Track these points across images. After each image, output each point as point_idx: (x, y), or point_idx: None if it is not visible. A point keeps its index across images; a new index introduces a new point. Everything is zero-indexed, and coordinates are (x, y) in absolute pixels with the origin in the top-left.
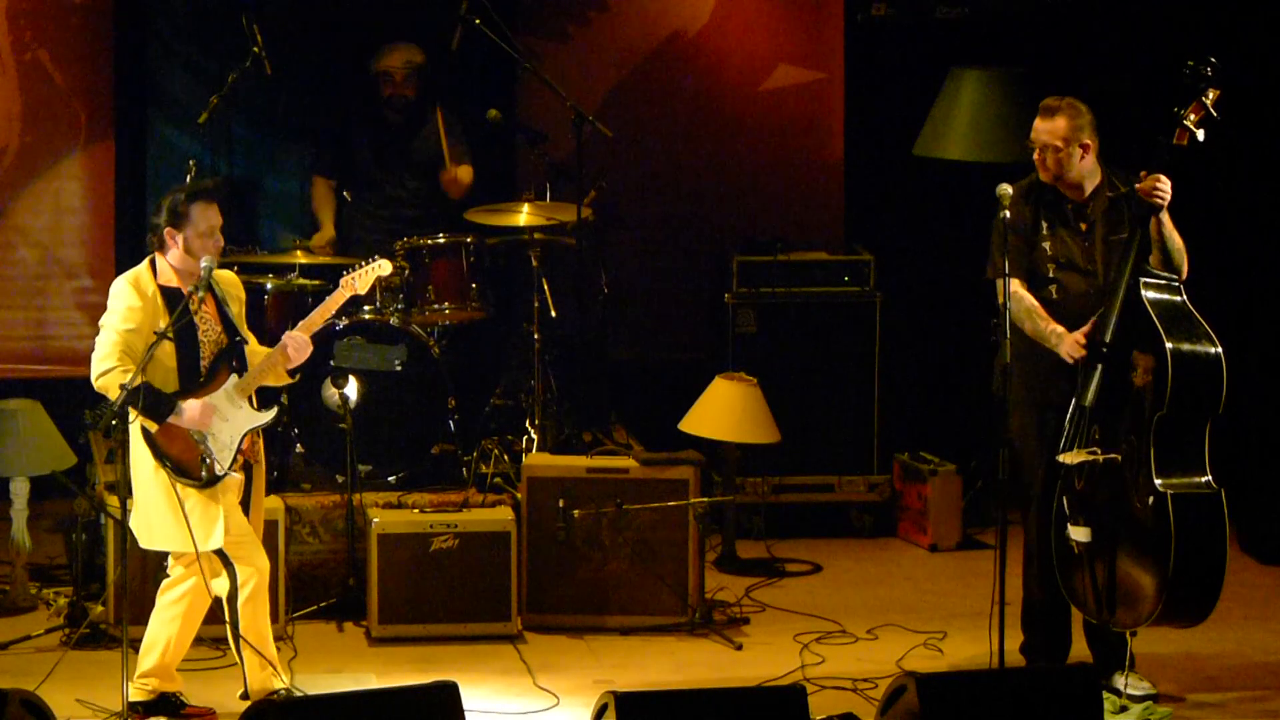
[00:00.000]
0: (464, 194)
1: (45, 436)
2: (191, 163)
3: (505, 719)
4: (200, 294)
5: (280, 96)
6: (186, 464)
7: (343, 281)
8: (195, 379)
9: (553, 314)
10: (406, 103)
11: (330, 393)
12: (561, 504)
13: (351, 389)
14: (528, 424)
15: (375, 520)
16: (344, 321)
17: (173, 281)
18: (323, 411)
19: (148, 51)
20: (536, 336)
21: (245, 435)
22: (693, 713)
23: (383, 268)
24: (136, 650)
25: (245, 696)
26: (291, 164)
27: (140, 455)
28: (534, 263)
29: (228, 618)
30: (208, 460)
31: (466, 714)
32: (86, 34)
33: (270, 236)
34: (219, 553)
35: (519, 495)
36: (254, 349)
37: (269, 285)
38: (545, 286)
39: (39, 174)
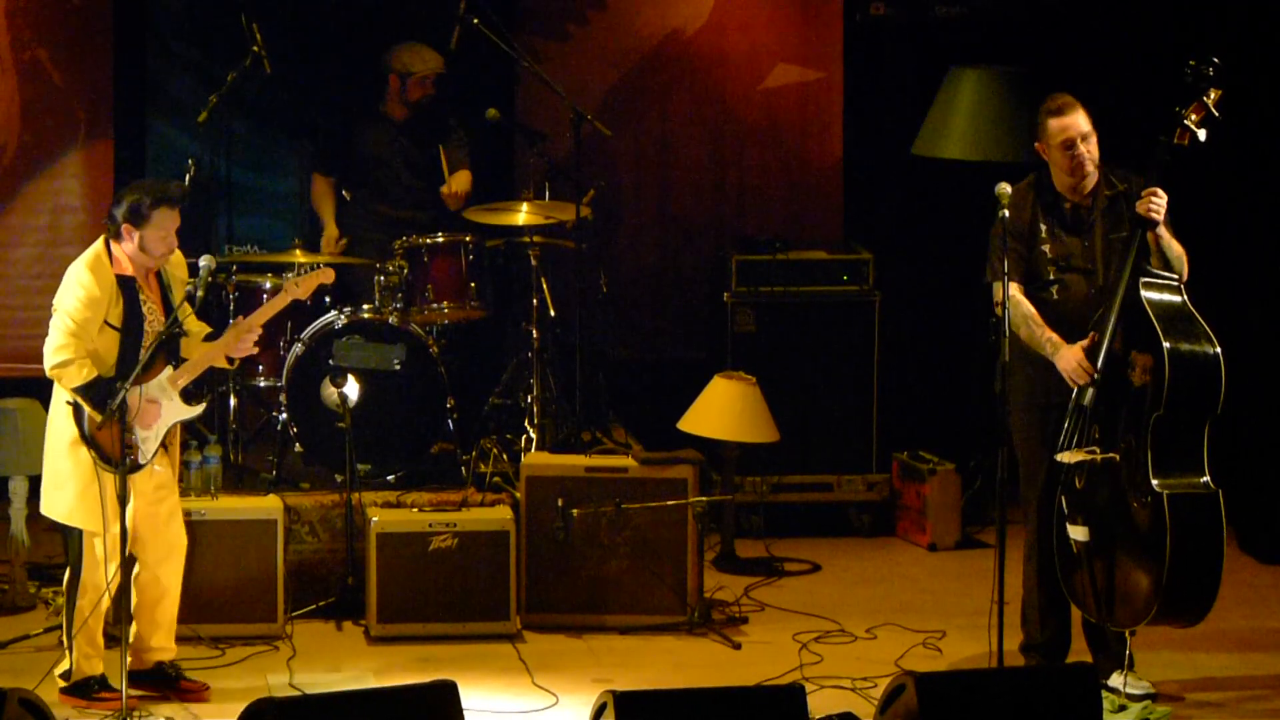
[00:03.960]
0: (463, 205)
1: (43, 436)
2: (191, 162)
3: (504, 718)
4: (200, 293)
5: (280, 95)
6: (109, 451)
7: (285, 286)
8: (132, 368)
9: (551, 313)
10: (430, 101)
11: (329, 392)
12: (560, 503)
13: (350, 388)
14: (526, 423)
15: (374, 519)
16: (343, 321)
17: (127, 270)
18: (322, 410)
19: (147, 51)
20: (535, 335)
21: (170, 428)
22: (692, 712)
23: (326, 275)
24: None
25: (66, 676)
26: (291, 164)
27: (62, 430)
28: (533, 262)
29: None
30: (130, 451)
31: (465, 713)
32: (85, 33)
33: (269, 236)
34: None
35: (518, 494)
36: (193, 329)
37: (267, 285)
38: (544, 286)
39: (38, 173)
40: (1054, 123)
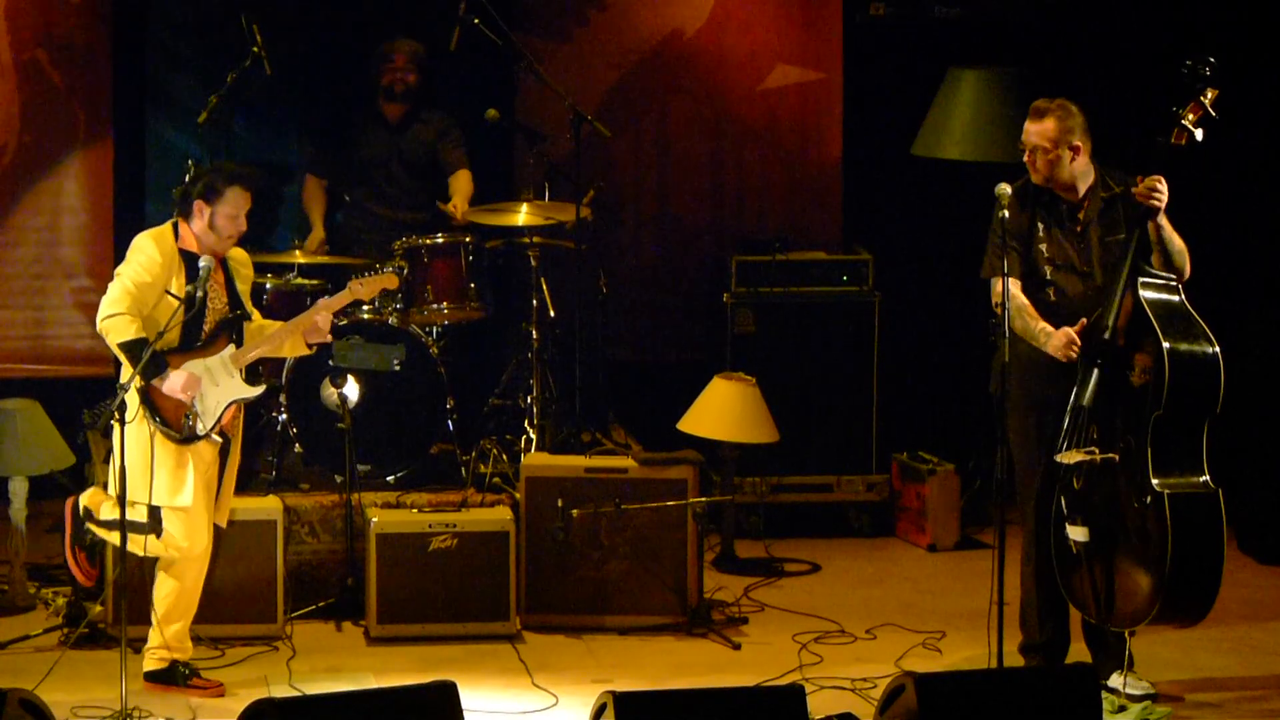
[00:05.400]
0: (465, 218)
1: (44, 436)
2: (190, 162)
3: (504, 718)
4: (199, 293)
5: (280, 95)
6: (172, 419)
7: (350, 285)
8: (194, 342)
9: (551, 314)
10: (407, 89)
11: (329, 392)
12: (560, 504)
13: (350, 389)
14: (526, 424)
15: (374, 520)
16: (343, 321)
17: (192, 247)
18: (322, 411)
19: (146, 51)
20: (535, 336)
21: (231, 405)
22: (691, 713)
23: (389, 280)
24: (136, 650)
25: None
26: (290, 164)
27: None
28: (532, 262)
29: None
30: (191, 419)
31: (465, 713)
32: (85, 34)
33: (268, 236)
34: (154, 513)
35: (518, 495)
36: (259, 323)
37: (267, 285)
38: (544, 286)
39: (37, 174)
40: (1025, 123)
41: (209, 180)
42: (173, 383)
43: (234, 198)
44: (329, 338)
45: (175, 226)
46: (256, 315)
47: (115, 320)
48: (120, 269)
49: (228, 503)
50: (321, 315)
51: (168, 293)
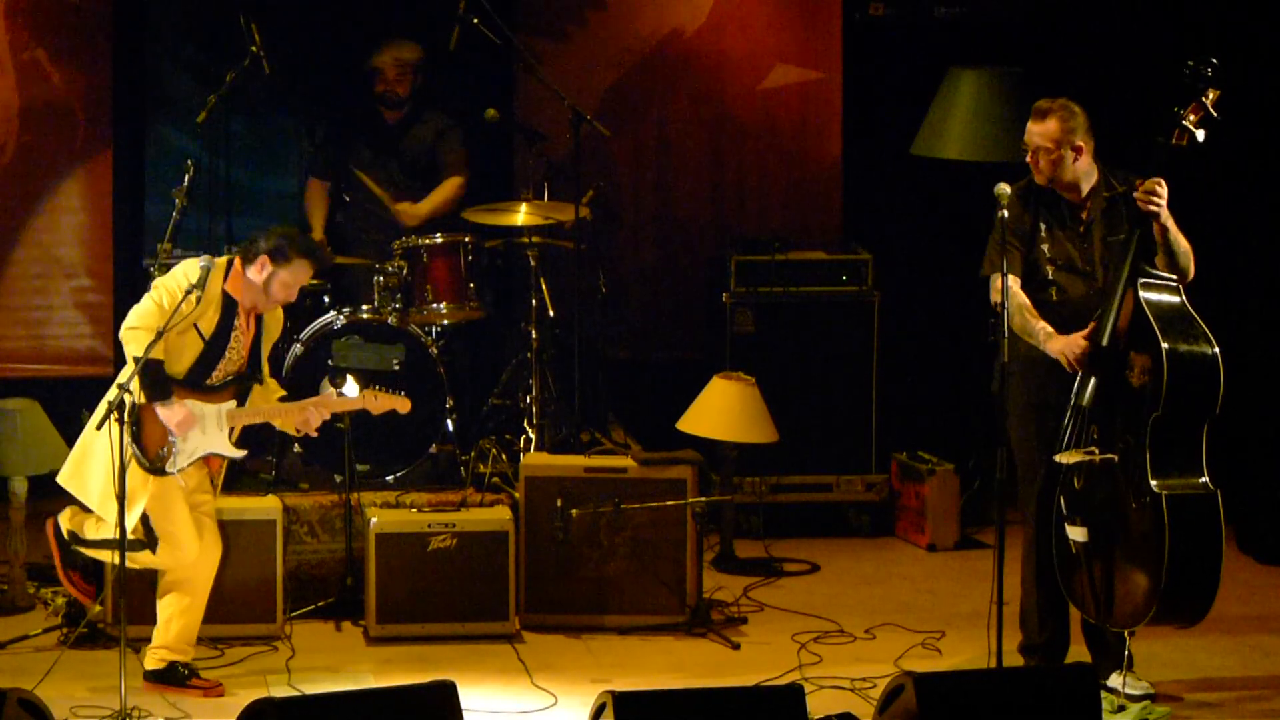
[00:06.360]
0: (420, 225)
1: (43, 436)
2: (190, 162)
3: (503, 718)
4: (195, 294)
5: (279, 95)
6: (147, 446)
7: (364, 393)
8: (202, 381)
9: (550, 313)
10: (399, 99)
11: (329, 392)
12: (559, 504)
13: (349, 388)
14: (525, 424)
15: (373, 520)
16: (342, 321)
17: (236, 293)
18: None
19: (146, 51)
20: (534, 336)
21: (208, 456)
22: (691, 712)
23: (402, 404)
24: (135, 650)
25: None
26: (290, 164)
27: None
28: (532, 262)
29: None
30: (164, 453)
31: (464, 713)
32: (85, 33)
33: None
34: (147, 527)
35: (517, 495)
36: (267, 387)
37: None
38: (543, 286)
39: (37, 173)
40: (1028, 124)
41: (281, 243)
42: (172, 413)
43: (298, 268)
44: (314, 433)
45: (230, 265)
46: (267, 374)
47: (139, 334)
48: (160, 282)
49: (210, 515)
50: (317, 412)
51: (195, 328)
